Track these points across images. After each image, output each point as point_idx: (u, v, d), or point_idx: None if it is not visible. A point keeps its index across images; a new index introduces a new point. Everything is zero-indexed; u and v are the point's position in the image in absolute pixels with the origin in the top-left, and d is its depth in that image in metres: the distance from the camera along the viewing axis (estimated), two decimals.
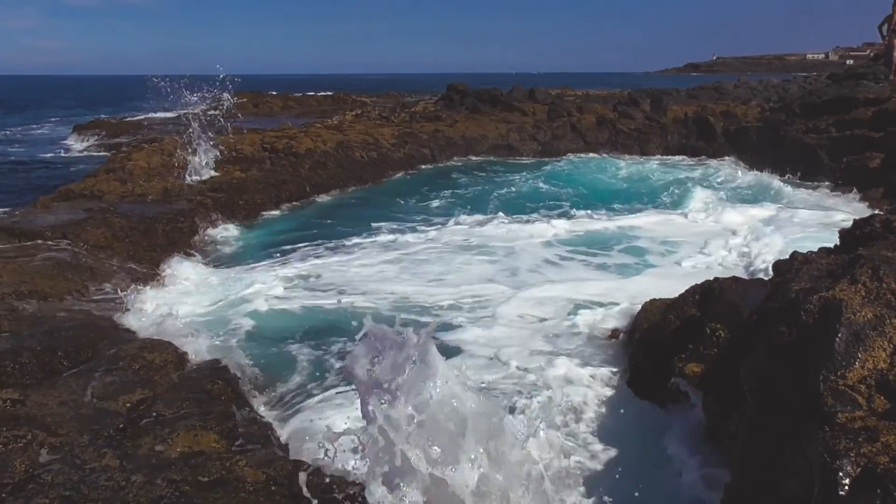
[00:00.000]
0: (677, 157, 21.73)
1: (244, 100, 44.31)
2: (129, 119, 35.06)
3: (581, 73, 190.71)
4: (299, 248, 10.94)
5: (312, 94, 53.43)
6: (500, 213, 13.00)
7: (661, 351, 5.50)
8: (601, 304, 7.70)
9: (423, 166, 19.79)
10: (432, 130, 21.71)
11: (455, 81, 30.14)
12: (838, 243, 5.17)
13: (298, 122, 26.38)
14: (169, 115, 37.92)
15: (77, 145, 25.57)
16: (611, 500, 4.15)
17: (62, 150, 24.02)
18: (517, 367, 6.24)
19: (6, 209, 12.12)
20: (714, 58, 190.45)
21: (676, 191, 15.41)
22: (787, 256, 5.16)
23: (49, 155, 22.86)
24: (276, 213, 13.89)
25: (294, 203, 14.63)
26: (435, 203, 14.90)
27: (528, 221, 12.35)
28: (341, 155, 18.00)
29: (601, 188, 16.81)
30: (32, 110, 48.63)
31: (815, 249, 5.08)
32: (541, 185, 16.80)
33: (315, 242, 11.26)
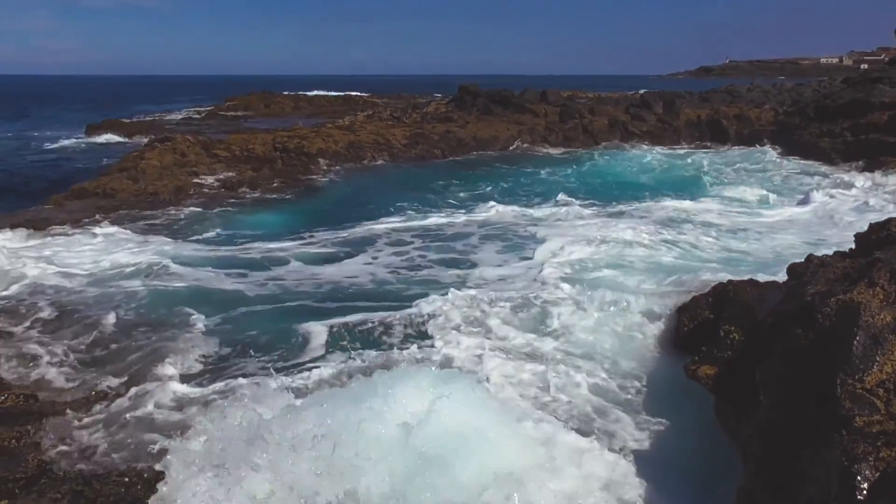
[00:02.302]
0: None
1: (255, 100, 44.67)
2: (140, 119, 35.28)
3: (592, 76, 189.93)
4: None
5: (324, 94, 53.60)
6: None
7: None
8: None
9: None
10: (444, 131, 21.68)
11: (467, 83, 30.07)
12: (854, 247, 5.11)
13: (310, 122, 26.42)
14: (180, 115, 38.37)
15: (89, 144, 25.72)
16: None
17: (74, 149, 24.14)
18: None
19: (19, 207, 12.17)
20: (727, 61, 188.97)
21: None
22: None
23: (61, 154, 22.96)
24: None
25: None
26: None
27: None
28: (352, 155, 18.04)
29: None
30: (45, 109, 49.01)
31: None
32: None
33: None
